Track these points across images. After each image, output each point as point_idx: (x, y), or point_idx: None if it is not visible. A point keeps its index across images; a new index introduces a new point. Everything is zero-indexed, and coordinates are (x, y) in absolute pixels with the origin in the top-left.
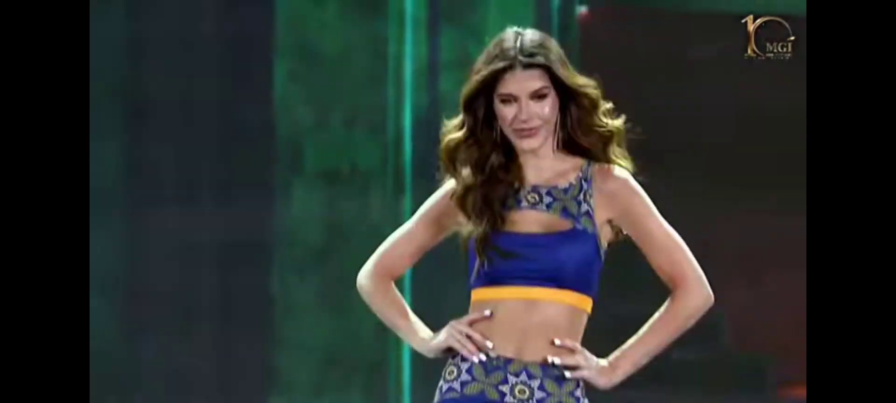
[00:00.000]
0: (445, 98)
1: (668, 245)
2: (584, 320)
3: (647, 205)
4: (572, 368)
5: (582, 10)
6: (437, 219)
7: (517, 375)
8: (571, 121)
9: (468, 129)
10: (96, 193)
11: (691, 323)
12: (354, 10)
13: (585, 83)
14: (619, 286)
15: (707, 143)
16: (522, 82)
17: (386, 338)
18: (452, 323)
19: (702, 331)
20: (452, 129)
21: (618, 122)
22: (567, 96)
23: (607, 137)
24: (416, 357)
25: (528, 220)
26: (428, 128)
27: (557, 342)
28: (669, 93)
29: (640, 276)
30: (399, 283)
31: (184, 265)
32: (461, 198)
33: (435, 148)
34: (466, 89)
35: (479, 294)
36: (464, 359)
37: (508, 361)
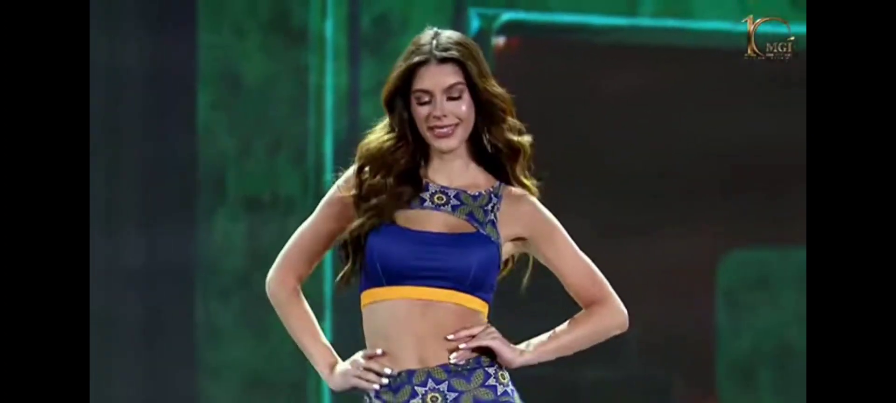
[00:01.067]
0: (366, 124)
1: (584, 267)
2: (481, 323)
3: (558, 229)
4: (478, 345)
5: (499, 40)
6: (342, 214)
7: (424, 384)
8: (483, 126)
9: (396, 131)
10: None
11: (602, 339)
12: (275, 40)
13: (500, 92)
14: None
15: (615, 169)
16: (437, 77)
17: (305, 360)
18: (350, 360)
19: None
20: (380, 133)
21: (526, 139)
22: (480, 100)
23: (515, 152)
24: None
25: (431, 220)
26: (348, 154)
27: (451, 336)
28: (581, 123)
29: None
30: (321, 303)
31: (108, 290)
32: (359, 193)
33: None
34: (386, 87)
35: (371, 295)
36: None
37: (411, 373)
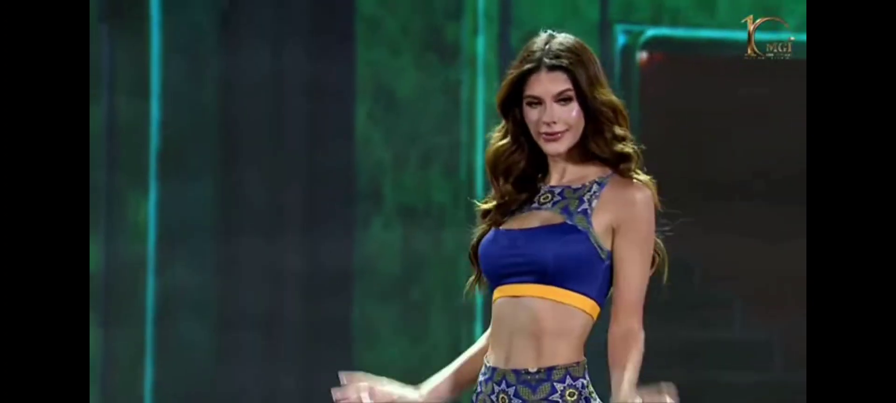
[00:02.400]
0: None
1: (640, 283)
2: (580, 322)
3: (643, 230)
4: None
5: (643, 54)
6: None
7: (499, 384)
8: (589, 133)
9: (510, 135)
10: (193, 226)
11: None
12: (429, 57)
13: (609, 100)
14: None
15: (771, 181)
16: (546, 84)
17: None
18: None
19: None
20: (497, 138)
21: (629, 148)
22: (588, 108)
23: (624, 157)
24: None
25: (531, 219)
26: None
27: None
28: (725, 136)
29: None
30: (471, 309)
31: (272, 293)
32: (484, 208)
33: None
34: (499, 93)
35: (493, 296)
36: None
37: (494, 370)
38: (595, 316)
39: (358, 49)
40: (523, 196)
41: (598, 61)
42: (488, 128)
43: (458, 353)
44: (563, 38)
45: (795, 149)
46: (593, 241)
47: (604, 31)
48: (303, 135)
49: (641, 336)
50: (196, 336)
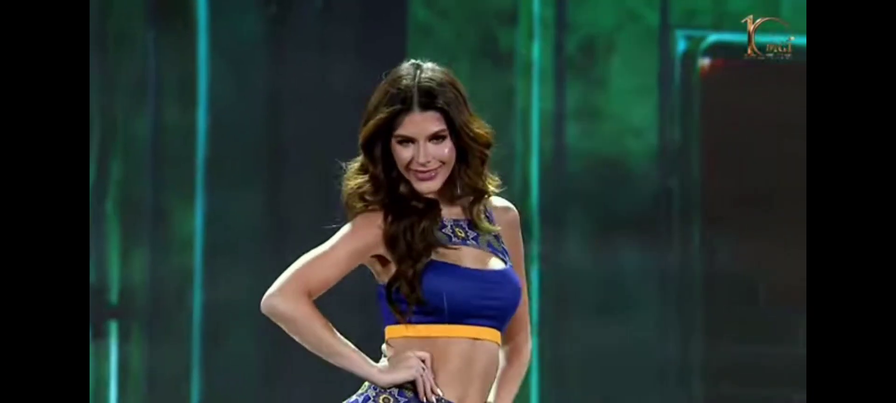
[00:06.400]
0: (571, 146)
1: (525, 291)
2: None
3: (521, 246)
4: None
5: (705, 61)
6: (360, 252)
7: None
8: (461, 163)
9: (370, 172)
10: (240, 235)
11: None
12: (484, 64)
13: (480, 133)
14: None
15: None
16: (420, 125)
17: None
18: (414, 355)
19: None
20: (353, 174)
21: (491, 185)
22: (461, 143)
23: (480, 194)
24: None
25: (471, 257)
26: (554, 175)
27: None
28: (787, 143)
29: (735, 322)
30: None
31: (322, 306)
32: (391, 241)
33: (560, 196)
34: (364, 131)
35: (425, 330)
36: (402, 395)
37: None
38: None
39: (409, 56)
40: (426, 225)
41: (464, 91)
42: (544, 136)
43: None
44: (432, 72)
45: None
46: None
47: (664, 37)
48: (352, 146)
49: (529, 344)
50: (245, 351)
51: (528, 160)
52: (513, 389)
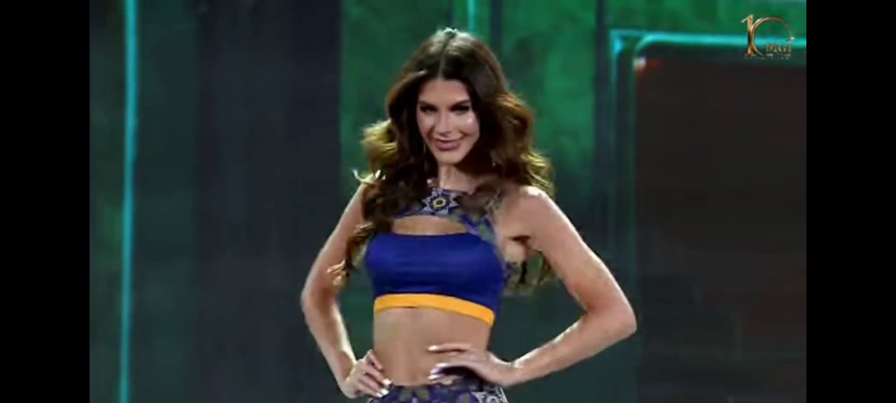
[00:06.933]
0: None
1: (590, 267)
2: (481, 332)
3: (563, 223)
4: (462, 366)
5: (640, 62)
6: (355, 224)
7: (410, 401)
8: (489, 137)
9: (398, 137)
10: (168, 242)
11: (607, 344)
12: None
13: (511, 107)
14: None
15: (763, 184)
16: (443, 94)
17: None
18: (355, 365)
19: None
20: (378, 134)
21: (534, 156)
22: (485, 116)
23: (517, 166)
24: None
25: (425, 224)
26: None
27: (434, 348)
28: (725, 143)
29: (672, 322)
30: None
31: (251, 312)
32: (365, 200)
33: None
34: (390, 94)
35: (376, 304)
36: (369, 397)
37: (399, 389)
38: (491, 322)
39: (343, 56)
40: (412, 196)
41: (498, 64)
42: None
43: None
44: (462, 41)
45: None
46: (495, 252)
47: (600, 37)
48: (285, 147)
49: (620, 312)
50: (173, 357)
51: None
52: (571, 347)
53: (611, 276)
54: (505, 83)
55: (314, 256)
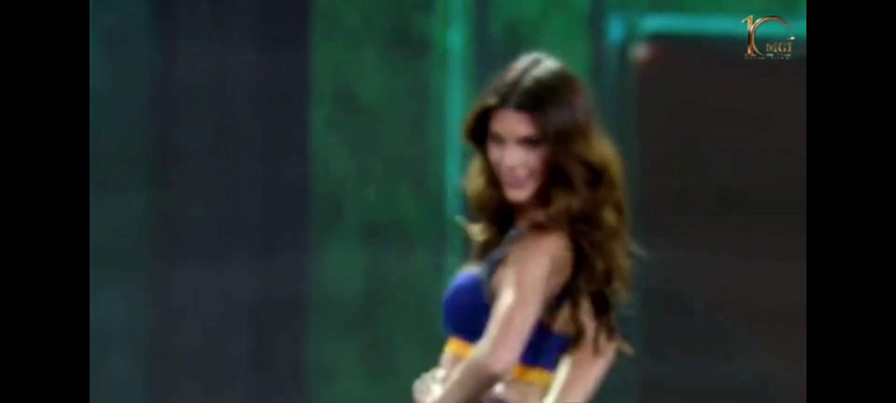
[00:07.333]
0: None
1: (504, 295)
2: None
3: (521, 259)
4: None
5: (641, 49)
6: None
7: None
8: (555, 180)
9: (484, 170)
10: (122, 248)
11: (469, 376)
12: (394, 52)
13: (587, 156)
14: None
15: (770, 185)
16: (510, 125)
17: None
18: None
19: None
20: (475, 172)
21: (612, 219)
22: (552, 159)
23: (585, 218)
24: None
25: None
26: None
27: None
28: (729, 135)
29: (673, 337)
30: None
31: (215, 323)
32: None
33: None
34: (465, 123)
35: None
36: None
37: None
38: (517, 375)
39: (314, 44)
40: (481, 240)
41: (584, 102)
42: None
43: None
44: (543, 71)
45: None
46: (485, 290)
47: (595, 23)
48: (250, 143)
49: (480, 356)
50: (126, 373)
51: (445, 161)
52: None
53: (513, 316)
54: (592, 123)
55: (283, 261)
